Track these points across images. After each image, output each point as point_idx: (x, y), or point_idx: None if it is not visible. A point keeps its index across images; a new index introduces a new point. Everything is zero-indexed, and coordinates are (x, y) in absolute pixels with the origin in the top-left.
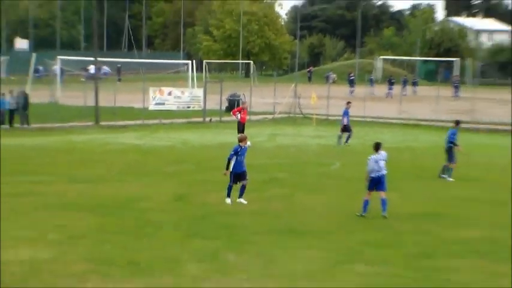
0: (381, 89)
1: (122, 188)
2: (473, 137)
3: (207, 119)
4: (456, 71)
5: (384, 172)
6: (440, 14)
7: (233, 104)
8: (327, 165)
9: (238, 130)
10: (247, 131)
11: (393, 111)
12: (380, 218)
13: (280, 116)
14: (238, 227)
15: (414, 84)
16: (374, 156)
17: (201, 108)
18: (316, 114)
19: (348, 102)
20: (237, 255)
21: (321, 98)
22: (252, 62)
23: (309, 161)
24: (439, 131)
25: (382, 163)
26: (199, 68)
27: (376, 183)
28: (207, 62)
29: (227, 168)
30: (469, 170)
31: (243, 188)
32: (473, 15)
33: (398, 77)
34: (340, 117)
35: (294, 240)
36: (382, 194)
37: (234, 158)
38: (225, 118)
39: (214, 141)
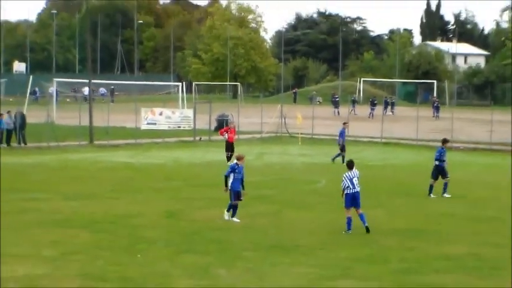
0: (363, 110)
1: (115, 205)
2: (453, 155)
3: (197, 138)
4: (434, 93)
5: (358, 189)
6: (417, 38)
7: (222, 124)
8: (313, 182)
9: (226, 149)
10: (237, 150)
11: (375, 130)
12: (367, 234)
13: (267, 135)
14: (228, 243)
15: (392, 104)
16: (348, 174)
17: (191, 128)
18: (302, 134)
19: (345, 123)
20: (228, 270)
21: (306, 118)
22: (239, 84)
23: (295, 178)
24: (419, 150)
25: (355, 180)
26: (189, 90)
27: (351, 200)
28: (196, 84)
29: (226, 185)
30: (452, 187)
31: (235, 207)
32: (449, 39)
33: (379, 98)
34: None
35: (282, 256)
36: (359, 211)
37: (232, 175)
38: (214, 137)
39: (203, 159)
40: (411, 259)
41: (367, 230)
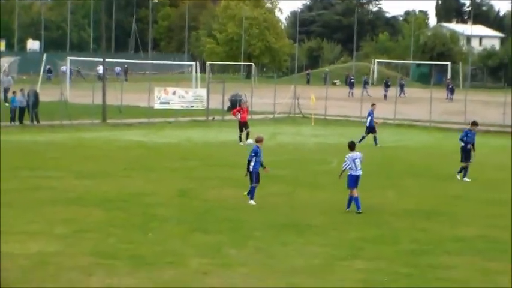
0: (376, 91)
1: (128, 184)
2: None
3: (210, 117)
4: (448, 75)
5: (360, 172)
6: (432, 20)
7: (235, 104)
8: (325, 163)
9: (239, 129)
10: (250, 130)
11: (389, 112)
12: (378, 214)
13: (280, 115)
14: (240, 222)
15: (402, 86)
16: (351, 155)
17: (204, 108)
18: (315, 115)
19: (373, 104)
20: (239, 249)
21: (319, 99)
22: (253, 64)
23: (308, 158)
24: (432, 131)
25: (358, 162)
26: (203, 69)
27: (355, 181)
28: (210, 64)
29: (248, 170)
30: None
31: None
32: (464, 21)
33: (393, 80)
34: (338, 118)
35: (295, 236)
36: (356, 193)
37: (254, 158)
38: (227, 117)
39: (216, 139)
40: (422, 240)
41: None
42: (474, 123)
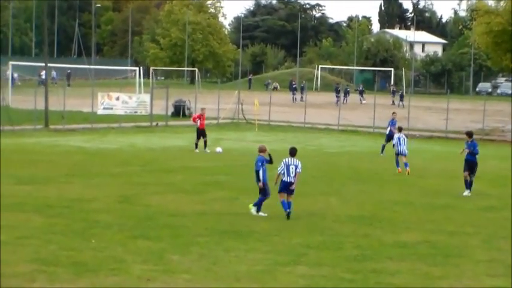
0: (321, 97)
1: (69, 189)
2: (409, 142)
3: (154, 123)
4: (391, 81)
5: (293, 180)
6: (376, 26)
7: (179, 109)
8: (268, 169)
9: (197, 136)
10: (194, 135)
11: (332, 117)
12: (321, 220)
13: (224, 121)
14: (183, 228)
15: (346, 93)
16: (286, 160)
17: (147, 113)
18: (258, 120)
19: (393, 113)
20: (181, 256)
21: (263, 104)
22: (196, 69)
23: (251, 164)
24: (376, 137)
25: (292, 169)
26: (146, 75)
27: (285, 187)
28: (153, 69)
29: (259, 181)
30: (405, 174)
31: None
32: (407, 27)
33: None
34: (280, 123)
35: (238, 242)
36: (289, 198)
37: (261, 168)
38: (171, 122)
39: (160, 144)
40: (365, 246)
41: (288, 216)
42: (469, 134)
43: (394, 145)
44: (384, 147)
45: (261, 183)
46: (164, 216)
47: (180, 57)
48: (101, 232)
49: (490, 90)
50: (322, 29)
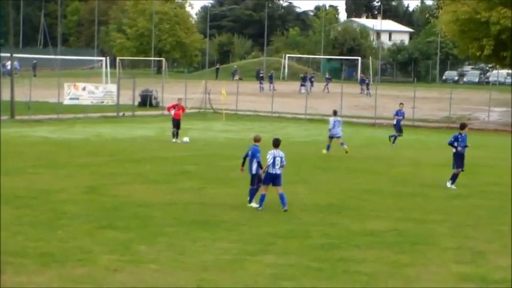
0: (288, 86)
1: (37, 180)
2: (376, 131)
3: (120, 113)
4: (359, 69)
5: (279, 171)
6: (343, 15)
7: (146, 99)
8: (236, 158)
9: (173, 126)
10: (161, 125)
11: (299, 107)
12: (289, 209)
13: (191, 111)
14: (150, 219)
15: (311, 82)
16: (272, 152)
17: (114, 103)
18: (226, 110)
19: (401, 103)
20: (149, 246)
21: (231, 94)
22: (163, 59)
23: (219, 154)
24: (344, 126)
25: (278, 161)
26: (113, 65)
27: (272, 179)
28: (120, 59)
29: (255, 171)
30: (374, 163)
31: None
32: (374, 16)
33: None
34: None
35: (205, 232)
36: (279, 190)
37: (254, 160)
38: (138, 112)
39: (127, 134)
40: (333, 235)
41: (285, 210)
42: (463, 126)
43: (329, 129)
44: (395, 138)
45: (261, 173)
46: (132, 206)
47: (146, 47)
48: (69, 223)
49: (456, 78)
50: (289, 18)
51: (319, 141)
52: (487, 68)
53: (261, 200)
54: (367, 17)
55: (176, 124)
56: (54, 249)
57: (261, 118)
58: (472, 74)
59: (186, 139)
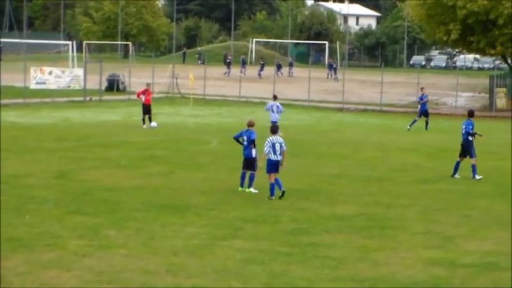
0: (256, 71)
1: (4, 165)
2: (344, 116)
3: (87, 98)
4: (326, 54)
5: (280, 158)
6: None
7: (113, 84)
8: (204, 143)
9: (143, 112)
10: (128, 110)
11: (267, 91)
12: (257, 194)
13: (158, 95)
14: (119, 204)
15: (291, 65)
16: (271, 138)
17: (81, 88)
18: (193, 94)
19: (422, 88)
20: (118, 231)
21: (198, 78)
22: (130, 43)
23: (187, 138)
24: (311, 111)
25: (277, 147)
26: (80, 49)
27: (273, 166)
28: (86, 43)
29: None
30: (342, 147)
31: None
32: (341, 0)
33: (272, 59)
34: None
35: (174, 217)
36: (276, 175)
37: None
38: (105, 97)
39: (94, 119)
40: (302, 219)
41: (283, 194)
42: (471, 114)
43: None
44: (414, 121)
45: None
46: (101, 191)
47: (113, 31)
48: (37, 208)
49: (423, 63)
50: (256, 2)
51: (287, 126)
52: (454, 52)
53: (272, 189)
54: (334, 1)
55: (147, 110)
56: (23, 234)
57: (228, 103)
58: (439, 58)
59: (154, 124)
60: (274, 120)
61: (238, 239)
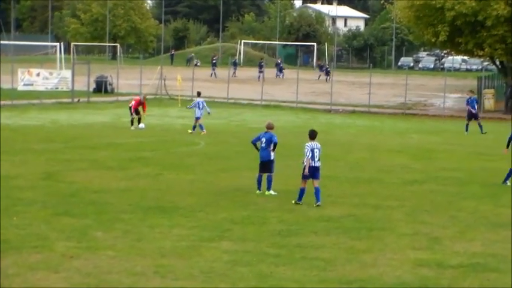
0: (244, 72)
1: None
2: (333, 117)
3: (75, 99)
4: (314, 56)
5: (318, 164)
6: (298, 0)
7: (101, 85)
8: (192, 144)
9: (135, 113)
10: (116, 112)
11: (255, 93)
12: (246, 196)
13: (147, 97)
14: (107, 205)
15: (280, 67)
16: (310, 144)
17: (69, 89)
18: (181, 96)
19: (471, 91)
20: (105, 232)
21: (186, 80)
22: (118, 45)
23: (175, 140)
24: (299, 112)
25: (316, 152)
26: (67, 51)
27: (313, 172)
28: (74, 45)
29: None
30: (330, 149)
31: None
32: (329, 2)
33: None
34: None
35: (162, 218)
36: (316, 183)
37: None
38: (93, 99)
39: (82, 121)
40: (290, 221)
41: (318, 205)
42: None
43: (189, 107)
44: (467, 126)
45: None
46: (88, 193)
47: (101, 33)
48: (24, 209)
49: (411, 64)
50: (244, 4)
51: (276, 127)
52: (442, 54)
53: (301, 195)
54: (322, 3)
55: (137, 111)
56: (10, 236)
57: (216, 104)
58: (427, 60)
59: (141, 125)
60: (198, 116)
61: (226, 240)
